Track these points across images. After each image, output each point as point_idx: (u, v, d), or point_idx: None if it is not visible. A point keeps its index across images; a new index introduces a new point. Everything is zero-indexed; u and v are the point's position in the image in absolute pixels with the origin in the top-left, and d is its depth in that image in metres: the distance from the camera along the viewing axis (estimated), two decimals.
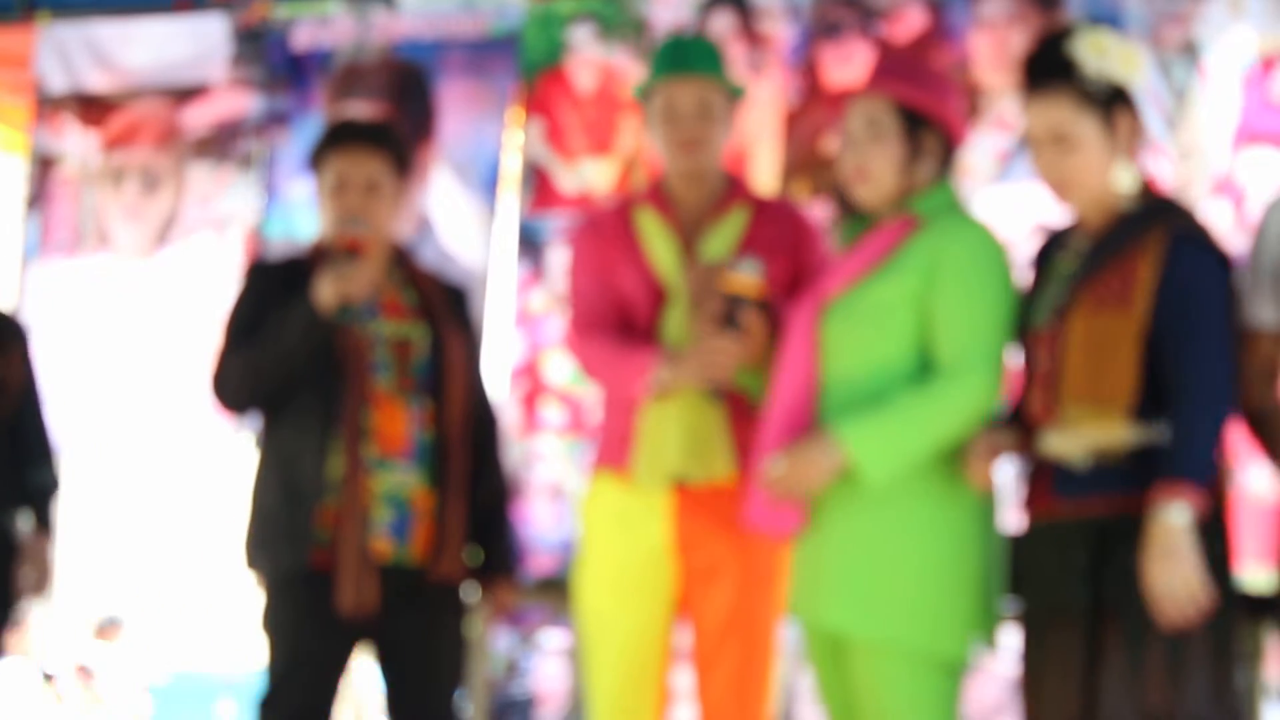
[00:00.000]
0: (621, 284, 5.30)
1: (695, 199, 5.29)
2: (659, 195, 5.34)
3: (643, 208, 5.33)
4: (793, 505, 4.81)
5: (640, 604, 5.27)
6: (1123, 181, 4.68)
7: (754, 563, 5.17)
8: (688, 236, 5.27)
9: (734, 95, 5.32)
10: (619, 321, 5.28)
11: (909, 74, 4.96)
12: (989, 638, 4.81)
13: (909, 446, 4.73)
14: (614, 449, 5.29)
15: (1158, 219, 4.65)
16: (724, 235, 5.23)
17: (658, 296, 5.23)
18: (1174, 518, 4.43)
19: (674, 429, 5.15)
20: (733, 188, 5.31)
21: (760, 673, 5.25)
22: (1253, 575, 6.04)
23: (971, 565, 4.79)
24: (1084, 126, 4.64)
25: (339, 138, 5.63)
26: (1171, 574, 4.43)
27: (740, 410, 5.15)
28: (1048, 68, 4.67)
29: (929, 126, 4.86)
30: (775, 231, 5.26)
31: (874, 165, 4.86)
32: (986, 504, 4.81)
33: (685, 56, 5.29)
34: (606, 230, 5.39)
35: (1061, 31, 4.73)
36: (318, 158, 5.63)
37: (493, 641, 6.26)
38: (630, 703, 5.32)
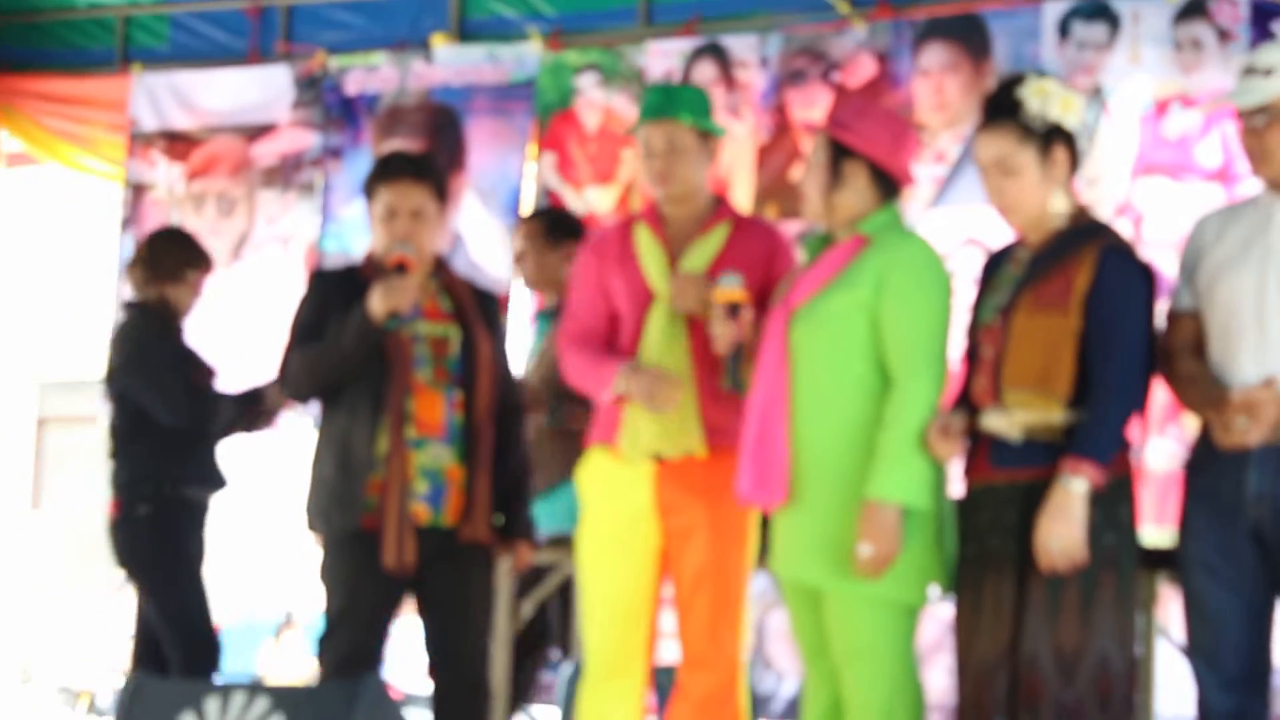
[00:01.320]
0: (617, 289, 5.32)
1: (683, 218, 5.32)
2: (653, 214, 5.36)
3: (640, 224, 5.37)
4: (775, 481, 4.84)
5: (628, 557, 5.29)
6: (1058, 205, 4.70)
7: (724, 524, 5.19)
8: (675, 249, 5.29)
9: (709, 134, 5.32)
10: (602, 332, 5.33)
11: (843, 117, 4.98)
12: (943, 584, 4.84)
13: (916, 458, 4.73)
14: (605, 428, 5.31)
15: (1091, 236, 4.69)
16: (705, 249, 5.25)
17: (647, 299, 5.25)
18: (1074, 487, 4.48)
19: (649, 415, 5.16)
20: (718, 208, 5.33)
21: (731, 616, 5.24)
22: (1155, 534, 6.05)
23: (928, 528, 4.81)
24: (1024, 157, 4.67)
25: (388, 171, 5.65)
26: (1059, 532, 4.49)
27: (709, 394, 5.18)
28: (999, 107, 4.71)
29: (854, 158, 4.88)
30: (751, 245, 5.27)
31: (807, 188, 4.94)
32: (939, 477, 4.83)
33: (658, 104, 5.32)
34: (608, 243, 5.43)
35: (1016, 78, 4.76)
36: (370, 187, 5.65)
37: (515, 590, 6.23)
38: (621, 641, 5.34)
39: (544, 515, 6.06)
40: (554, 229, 6.62)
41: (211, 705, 4.41)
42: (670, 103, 5.29)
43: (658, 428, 5.18)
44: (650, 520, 5.22)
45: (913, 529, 4.77)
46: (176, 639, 6.45)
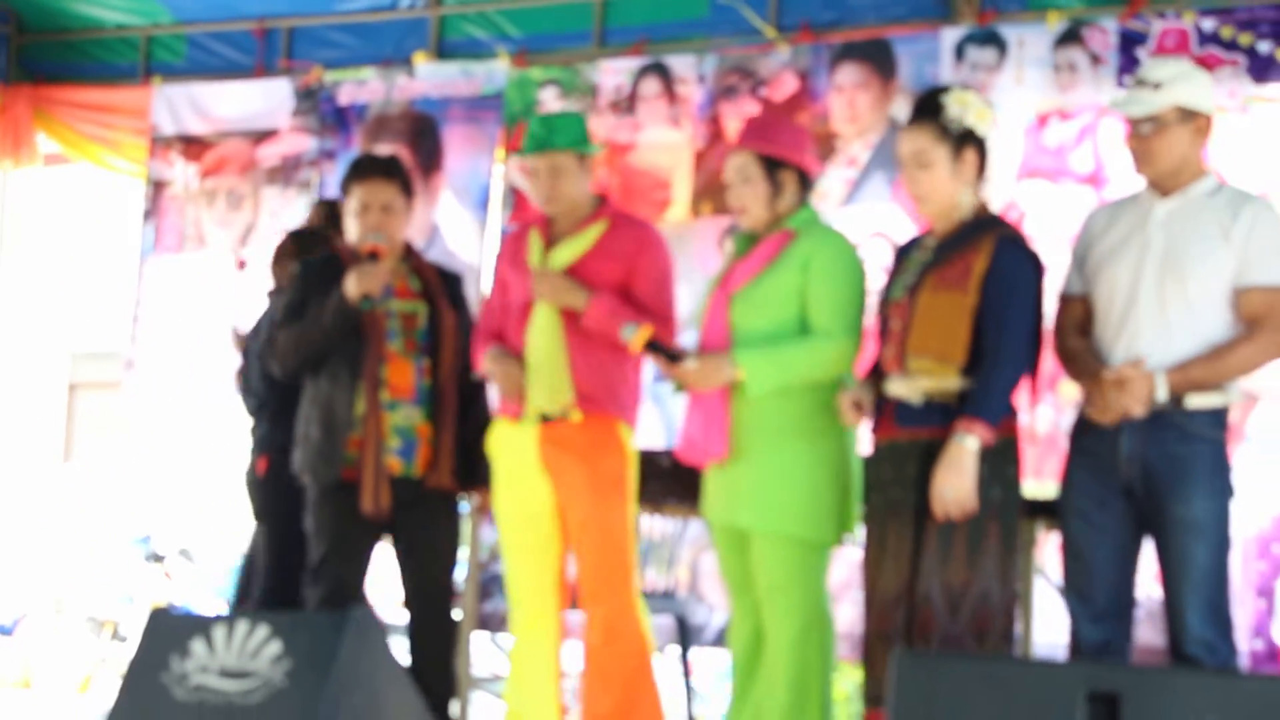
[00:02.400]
0: (512, 285, 5.44)
1: (566, 222, 5.42)
2: (543, 220, 5.46)
3: (532, 229, 5.48)
4: (719, 439, 4.85)
5: (528, 508, 5.40)
6: (964, 199, 4.71)
7: (600, 479, 5.29)
8: (552, 247, 5.40)
9: (585, 154, 5.36)
10: (500, 323, 5.47)
11: (762, 133, 5.00)
12: (850, 528, 4.91)
13: (781, 376, 4.84)
14: (505, 401, 5.41)
15: (990, 227, 4.71)
16: (574, 246, 5.34)
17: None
18: (966, 443, 4.50)
19: (533, 381, 5.32)
20: (597, 210, 5.38)
21: (617, 556, 5.31)
22: (1036, 487, 6.05)
23: (839, 481, 4.88)
24: (938, 153, 4.69)
25: (360, 171, 5.67)
26: (952, 483, 4.52)
27: (581, 368, 5.28)
28: (923, 108, 4.74)
29: (785, 167, 4.93)
30: (621, 239, 5.34)
31: (749, 202, 4.93)
32: (849, 438, 4.91)
33: (540, 137, 5.39)
34: (508, 248, 5.57)
35: (943, 87, 4.82)
36: (346, 185, 5.67)
37: (480, 533, 6.21)
38: (534, 580, 5.41)
39: None
40: None
41: (219, 633, 4.38)
42: (549, 134, 5.37)
43: (539, 390, 5.27)
44: (541, 475, 5.33)
45: (828, 484, 4.83)
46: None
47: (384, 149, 8.11)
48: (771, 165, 4.94)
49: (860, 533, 4.95)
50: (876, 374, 4.81)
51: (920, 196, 4.75)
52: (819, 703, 4.87)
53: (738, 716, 5.04)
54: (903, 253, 4.87)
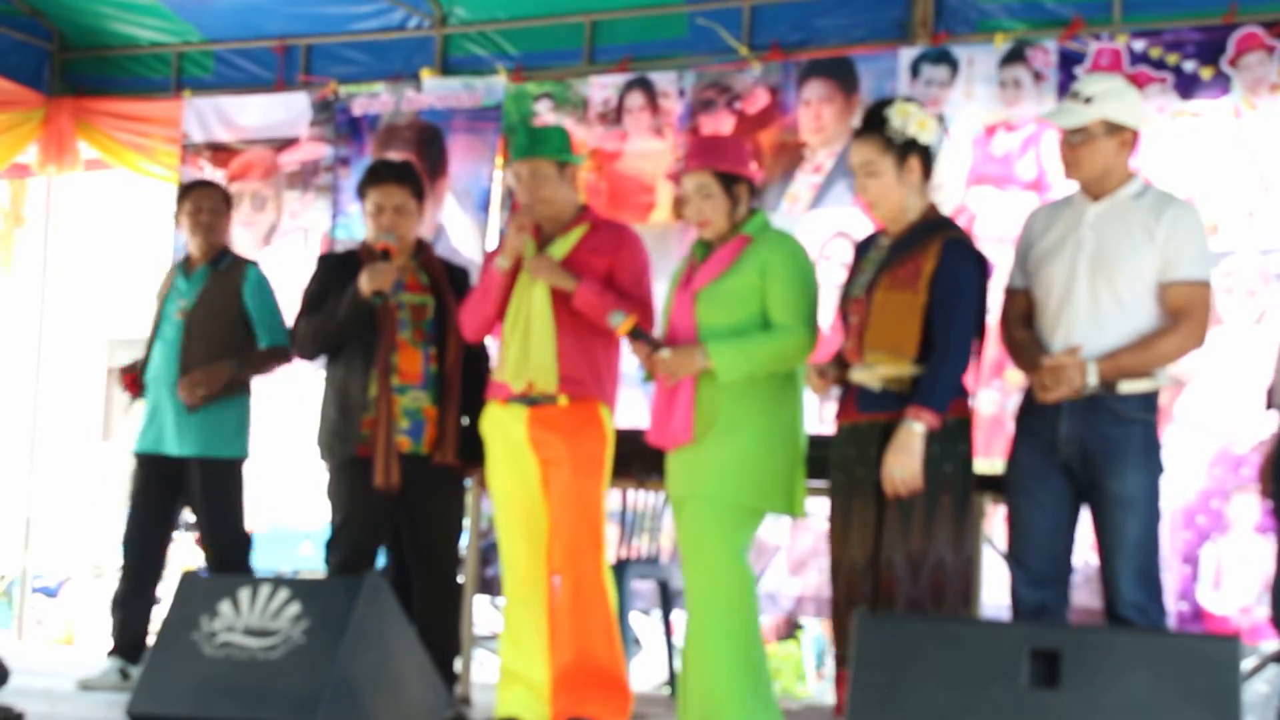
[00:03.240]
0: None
1: (551, 226, 5.39)
2: (535, 227, 5.38)
3: (525, 234, 5.40)
4: (685, 424, 4.85)
5: (518, 482, 5.38)
6: (911, 203, 4.71)
7: (581, 458, 5.28)
8: (543, 247, 5.37)
9: (565, 163, 5.35)
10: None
11: (717, 152, 5.00)
12: (794, 505, 4.94)
13: (748, 365, 4.85)
14: (493, 390, 5.40)
15: (938, 230, 4.70)
16: (563, 245, 5.33)
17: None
18: (914, 428, 4.51)
19: (519, 362, 5.30)
20: (580, 216, 5.37)
21: (590, 529, 5.30)
22: (982, 463, 6.05)
23: (786, 459, 4.91)
24: (884, 163, 4.69)
25: (375, 176, 5.66)
26: (900, 463, 4.52)
27: (567, 354, 5.26)
28: (870, 121, 4.72)
29: (739, 181, 4.94)
30: (601, 239, 5.33)
31: (711, 215, 4.93)
32: (797, 424, 4.93)
33: (525, 145, 5.40)
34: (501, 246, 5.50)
35: (888, 100, 4.79)
36: (362, 189, 5.67)
37: (481, 505, 6.21)
38: (526, 550, 5.39)
39: None
40: None
41: (244, 595, 4.37)
42: (534, 144, 5.36)
43: (527, 369, 5.27)
44: (528, 453, 5.31)
45: (772, 454, 4.87)
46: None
47: (393, 156, 8.09)
48: (727, 180, 4.96)
49: (808, 509, 5.02)
50: (839, 360, 4.81)
51: (871, 203, 4.75)
52: (748, 657, 4.88)
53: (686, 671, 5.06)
54: (861, 250, 4.88)
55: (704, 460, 4.87)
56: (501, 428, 5.38)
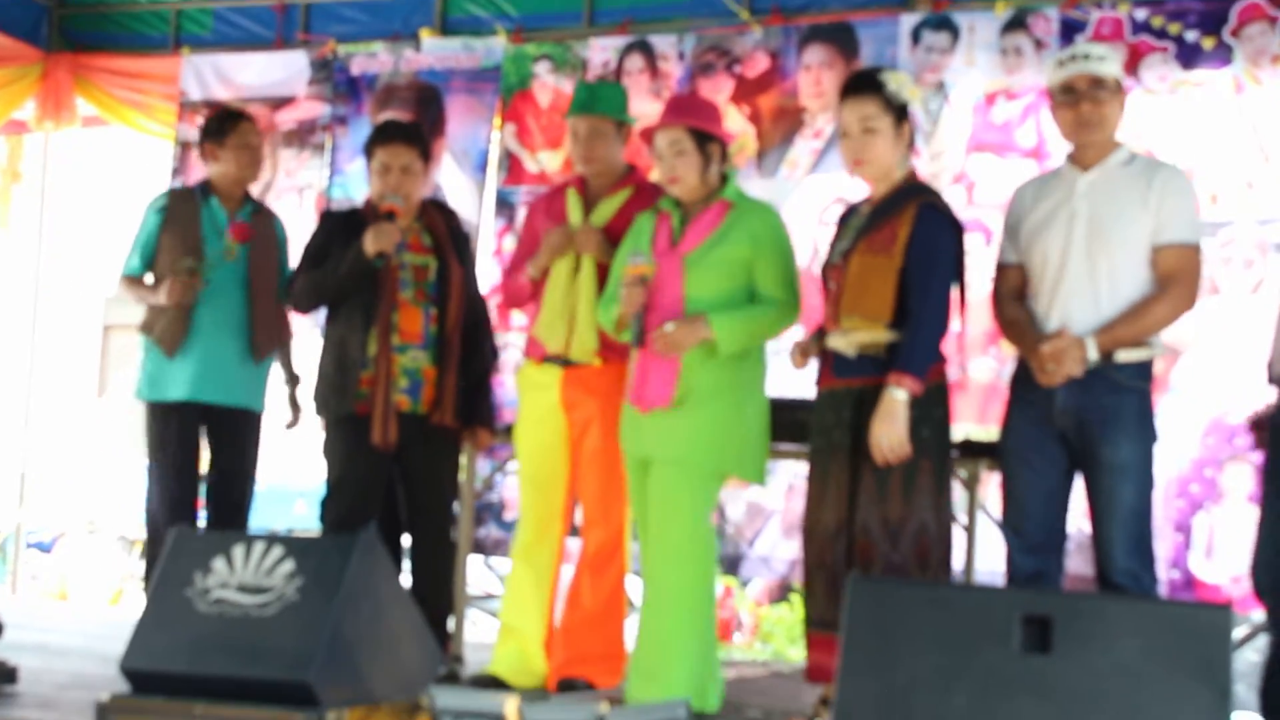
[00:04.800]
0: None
1: (599, 184, 5.45)
2: (579, 182, 5.48)
3: (570, 189, 5.48)
4: (667, 387, 4.86)
5: (545, 442, 5.45)
6: (900, 167, 4.72)
7: (613, 418, 5.30)
8: (591, 207, 5.41)
9: (623, 123, 5.38)
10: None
11: (692, 110, 5.02)
12: (756, 473, 5.02)
13: (747, 336, 4.91)
14: (529, 348, 5.47)
15: (914, 195, 4.71)
16: (608, 207, 5.37)
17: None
18: (896, 394, 4.53)
19: (564, 326, 5.36)
20: (627, 177, 5.40)
21: (617, 488, 5.35)
22: (978, 431, 6.06)
23: (744, 424, 4.96)
24: (884, 122, 4.71)
25: (384, 135, 5.63)
26: (887, 431, 4.54)
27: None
28: (865, 83, 4.72)
29: (712, 140, 4.95)
30: (645, 204, 5.30)
31: (683, 172, 4.95)
32: (762, 388, 5.01)
33: (584, 100, 5.43)
34: (546, 203, 5.57)
35: (875, 68, 4.86)
36: (369, 147, 5.64)
37: (476, 466, 6.22)
38: (544, 506, 5.46)
39: None
40: None
41: (238, 552, 4.37)
42: (593, 99, 5.38)
43: (570, 336, 5.31)
44: (559, 414, 5.37)
45: (736, 419, 4.91)
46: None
47: (391, 116, 8.08)
48: (701, 139, 4.96)
49: (761, 479, 5.09)
50: (821, 331, 4.83)
51: (865, 160, 4.74)
52: (696, 613, 4.91)
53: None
54: (843, 220, 4.89)
55: (679, 425, 4.89)
56: (536, 386, 5.41)
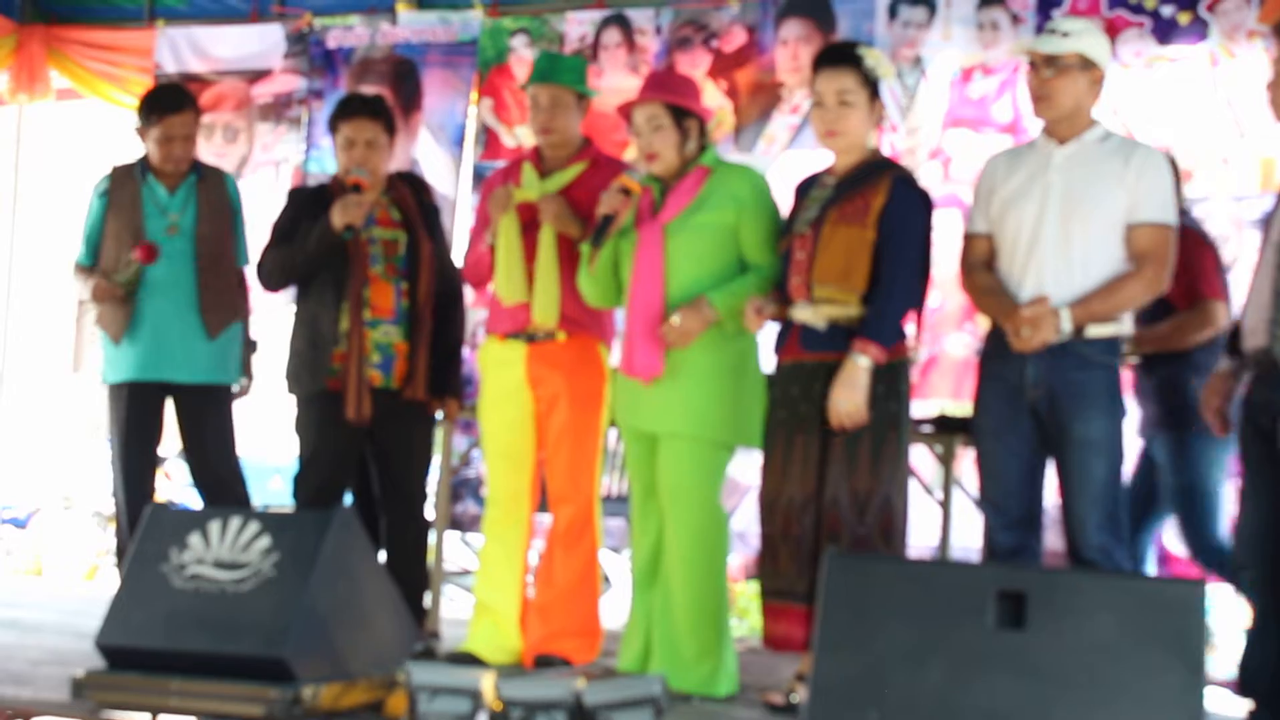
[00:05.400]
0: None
1: (555, 155, 5.44)
2: (535, 154, 5.47)
3: (526, 163, 5.48)
4: (654, 357, 4.86)
5: (511, 418, 5.44)
6: (872, 141, 4.75)
7: (579, 393, 5.35)
8: (546, 179, 5.40)
9: (583, 95, 5.38)
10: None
11: (669, 86, 5.02)
12: (755, 441, 4.92)
13: (746, 300, 4.81)
14: (493, 321, 5.45)
15: (886, 169, 4.74)
16: (562, 178, 5.36)
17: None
18: (860, 362, 4.56)
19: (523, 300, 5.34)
20: (583, 149, 5.40)
21: (586, 463, 5.38)
22: (953, 406, 6.07)
23: (750, 394, 4.92)
24: (860, 96, 4.73)
25: (348, 109, 5.64)
26: (846, 396, 4.56)
27: (569, 293, 5.28)
28: (842, 56, 4.73)
29: (690, 116, 4.94)
30: (600, 177, 5.30)
31: (660, 148, 4.94)
32: (755, 360, 4.95)
33: (545, 70, 5.41)
34: (502, 177, 5.53)
35: (850, 43, 4.87)
36: (333, 122, 5.64)
37: (452, 441, 6.21)
38: (511, 483, 5.46)
39: None
40: None
41: (214, 527, 4.37)
42: (554, 69, 5.38)
43: (536, 299, 5.29)
44: (525, 390, 5.37)
45: (736, 391, 4.89)
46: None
47: (368, 90, 8.05)
48: (678, 114, 4.96)
49: (762, 444, 4.99)
50: (780, 295, 4.83)
51: (839, 132, 4.75)
52: (716, 594, 4.92)
53: (639, 608, 5.09)
54: (802, 190, 4.90)
55: (680, 397, 4.88)
56: (500, 362, 5.40)
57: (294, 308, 5.63)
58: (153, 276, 6.03)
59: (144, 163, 6.20)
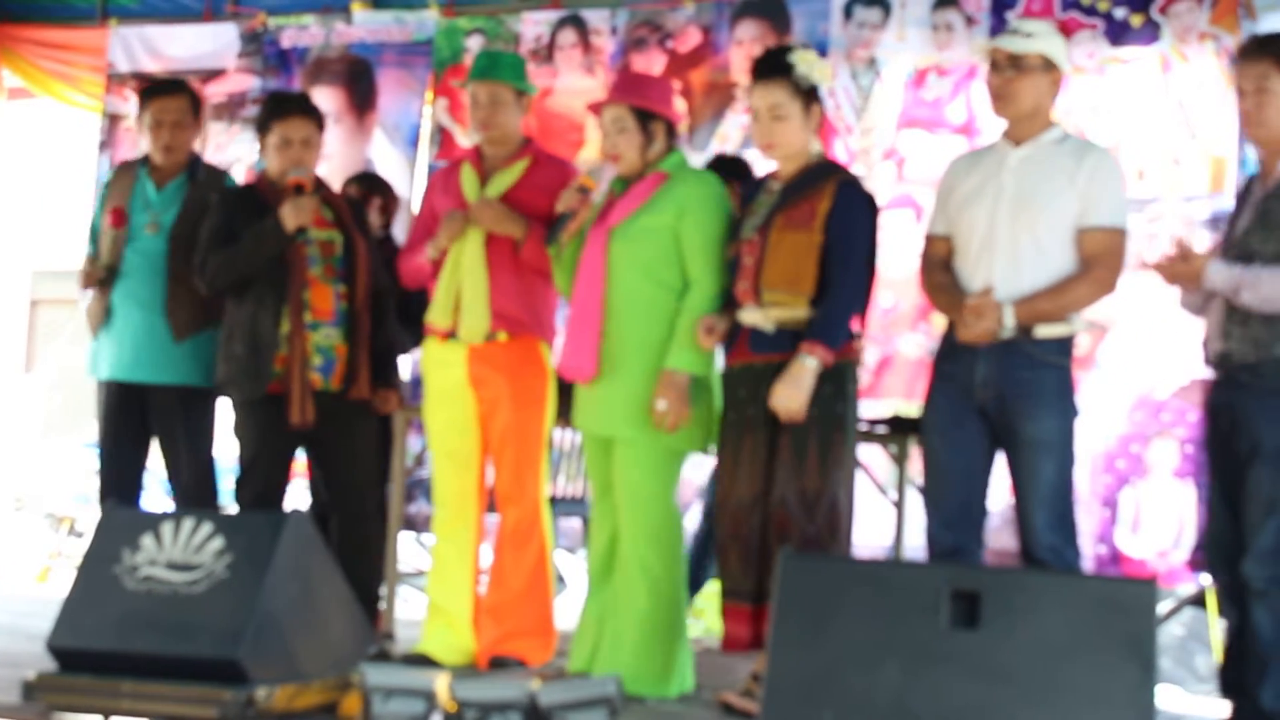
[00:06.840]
0: (442, 214, 5.38)
1: (496, 155, 5.42)
2: (475, 154, 5.45)
3: (465, 163, 5.46)
4: (589, 359, 4.86)
5: (455, 420, 5.43)
6: (815, 147, 4.77)
7: (522, 394, 5.34)
8: (486, 179, 5.38)
9: (523, 92, 5.37)
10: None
11: (636, 88, 5.01)
12: (709, 442, 4.95)
13: (697, 339, 4.82)
14: (432, 322, 5.41)
15: (831, 173, 4.78)
16: (505, 178, 5.34)
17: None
18: (807, 361, 4.59)
19: (458, 306, 5.33)
20: (524, 147, 5.39)
21: (531, 464, 5.37)
22: (907, 407, 6.09)
23: (702, 394, 4.90)
24: (792, 108, 4.74)
25: (282, 108, 5.62)
26: (789, 394, 4.60)
27: (501, 293, 5.29)
28: (774, 66, 4.74)
29: (656, 119, 4.93)
30: (544, 175, 5.33)
31: (624, 150, 4.94)
32: (709, 361, 4.91)
33: (484, 67, 5.40)
34: (443, 178, 5.52)
35: (784, 47, 4.80)
36: (264, 122, 5.61)
37: (407, 442, 6.20)
38: (457, 486, 5.44)
39: None
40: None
41: (166, 529, 4.35)
42: (494, 66, 5.37)
43: (457, 316, 5.29)
44: (467, 391, 5.36)
45: (691, 393, 4.85)
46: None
47: (322, 90, 8.06)
48: (644, 117, 4.96)
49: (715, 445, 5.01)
50: (729, 303, 4.84)
51: (775, 145, 4.79)
52: (670, 594, 4.92)
53: (591, 607, 5.09)
54: (749, 196, 4.91)
55: (627, 399, 4.88)
56: (441, 364, 5.38)
57: (229, 312, 5.57)
58: (126, 275, 5.97)
59: (145, 158, 6.15)
